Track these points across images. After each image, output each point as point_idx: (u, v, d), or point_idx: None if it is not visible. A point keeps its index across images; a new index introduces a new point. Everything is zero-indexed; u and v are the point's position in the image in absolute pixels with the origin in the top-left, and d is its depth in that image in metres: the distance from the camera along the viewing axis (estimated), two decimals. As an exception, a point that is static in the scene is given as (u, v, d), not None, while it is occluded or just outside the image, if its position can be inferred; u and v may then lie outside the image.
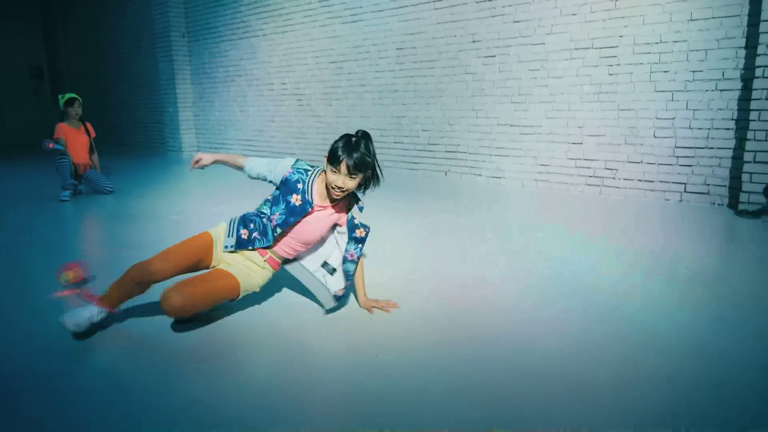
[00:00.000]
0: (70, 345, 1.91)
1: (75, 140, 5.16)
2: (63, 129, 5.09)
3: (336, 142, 2.01)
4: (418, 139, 6.07)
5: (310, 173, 2.13)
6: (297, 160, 2.18)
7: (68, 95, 5.16)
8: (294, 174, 2.12)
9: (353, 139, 2.01)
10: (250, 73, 7.94)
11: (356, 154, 1.96)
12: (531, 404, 1.49)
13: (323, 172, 2.09)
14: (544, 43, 4.94)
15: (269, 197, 2.18)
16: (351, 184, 2.00)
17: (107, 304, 1.96)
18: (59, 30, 12.22)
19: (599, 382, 1.61)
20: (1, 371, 1.73)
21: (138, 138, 10.52)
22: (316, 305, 2.25)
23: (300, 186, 2.10)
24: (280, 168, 2.16)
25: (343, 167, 1.95)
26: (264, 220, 2.14)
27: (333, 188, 2.01)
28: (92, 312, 1.92)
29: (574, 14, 4.72)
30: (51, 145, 4.92)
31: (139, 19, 9.78)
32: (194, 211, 4.41)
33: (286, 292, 2.45)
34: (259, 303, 2.30)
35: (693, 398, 1.51)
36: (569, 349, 1.83)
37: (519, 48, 5.09)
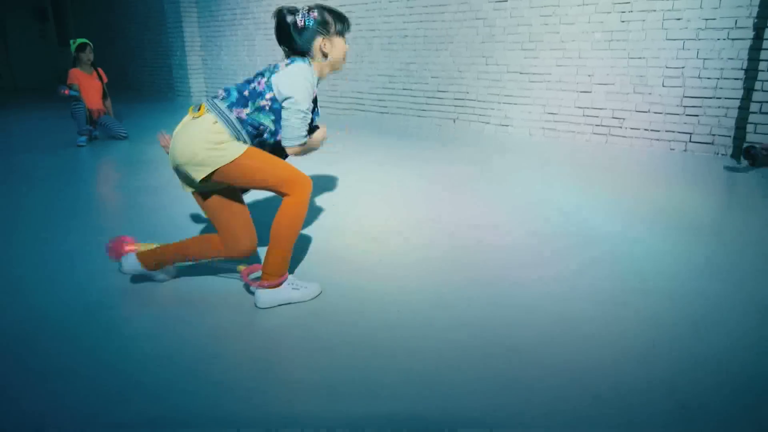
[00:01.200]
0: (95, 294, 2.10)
1: (88, 85, 5.23)
2: (76, 74, 5.15)
3: (323, 12, 1.85)
4: (427, 86, 6.07)
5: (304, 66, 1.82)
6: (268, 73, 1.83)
7: (79, 40, 5.19)
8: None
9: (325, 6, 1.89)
10: (257, 16, 7.84)
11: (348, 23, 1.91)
12: (525, 337, 1.67)
13: (311, 61, 1.86)
14: (556, -12, 4.86)
15: (262, 105, 1.79)
16: None
17: (150, 264, 1.98)
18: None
19: (587, 318, 1.78)
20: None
21: (146, 82, 10.51)
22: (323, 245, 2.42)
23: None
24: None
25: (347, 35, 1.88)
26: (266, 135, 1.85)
27: (343, 61, 1.95)
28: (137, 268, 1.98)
29: (589, -42, 4.62)
30: (66, 92, 5.01)
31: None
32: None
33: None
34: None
35: (672, 334, 1.67)
36: (564, 290, 1.99)
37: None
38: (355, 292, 2.01)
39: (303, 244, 2.47)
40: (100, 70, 5.40)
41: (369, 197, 3.32)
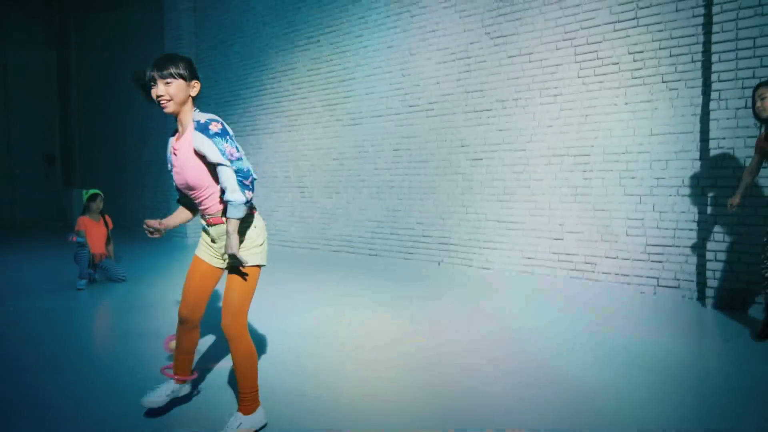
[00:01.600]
0: None
1: (94, 232, 5.57)
2: (84, 222, 5.51)
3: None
4: (412, 231, 6.53)
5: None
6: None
7: (91, 191, 5.63)
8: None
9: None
10: (256, 166, 8.54)
11: (160, 61, 2.10)
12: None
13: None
14: (525, 150, 5.53)
15: None
16: (168, 89, 2.07)
17: (181, 372, 2.26)
18: (75, 121, 13.04)
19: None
20: None
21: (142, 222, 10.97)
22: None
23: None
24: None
25: (155, 76, 2.08)
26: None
27: (158, 104, 2.09)
28: (171, 387, 2.25)
29: (551, 126, 5.34)
30: (74, 239, 5.33)
31: (153, 113, 10.55)
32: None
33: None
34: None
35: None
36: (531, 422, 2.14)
37: (503, 153, 5.68)
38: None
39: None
40: (107, 217, 5.76)
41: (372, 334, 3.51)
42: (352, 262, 6.81)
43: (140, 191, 11.03)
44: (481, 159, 5.87)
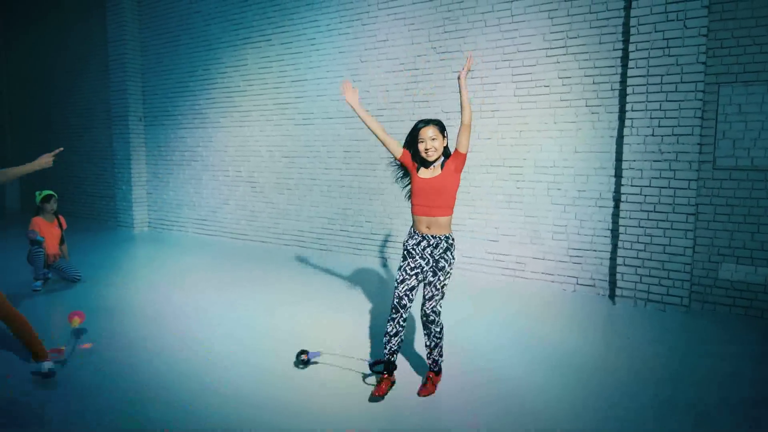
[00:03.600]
0: None
1: (48, 233, 5.61)
2: (38, 223, 5.54)
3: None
4: (362, 229, 6.95)
5: None
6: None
7: (45, 192, 5.64)
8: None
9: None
10: (206, 159, 8.64)
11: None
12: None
13: None
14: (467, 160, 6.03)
15: None
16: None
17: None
18: (3, 96, 12.41)
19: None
20: None
21: (86, 210, 10.79)
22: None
23: None
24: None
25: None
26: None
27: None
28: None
29: (489, 138, 5.87)
30: (35, 236, 5.41)
31: (95, 100, 10.30)
32: (167, 301, 4.98)
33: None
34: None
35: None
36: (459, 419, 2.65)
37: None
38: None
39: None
40: (61, 218, 5.81)
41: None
42: (302, 257, 7.17)
43: (83, 180, 10.79)
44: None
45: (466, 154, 2.92)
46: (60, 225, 5.76)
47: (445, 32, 6.07)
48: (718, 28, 4.68)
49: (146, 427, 2.70)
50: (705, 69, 4.63)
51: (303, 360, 3.46)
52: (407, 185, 3.18)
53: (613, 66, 5.14)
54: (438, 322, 3.07)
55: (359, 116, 3.13)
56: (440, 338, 3.12)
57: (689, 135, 4.66)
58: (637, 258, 4.96)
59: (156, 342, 3.93)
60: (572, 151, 5.41)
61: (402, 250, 3.12)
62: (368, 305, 4.89)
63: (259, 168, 7.98)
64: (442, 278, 2.99)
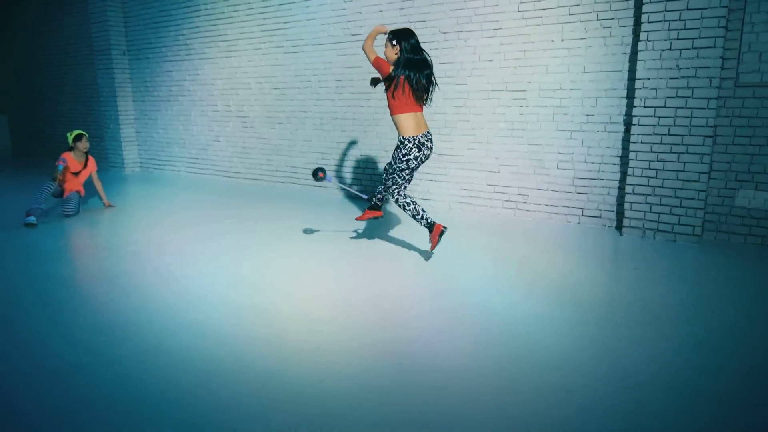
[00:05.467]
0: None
1: (73, 169, 5.62)
2: (68, 156, 5.55)
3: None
4: (357, 163, 6.62)
5: None
6: None
7: (76, 132, 5.60)
8: None
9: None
10: (194, 93, 8.21)
11: None
12: (426, 409, 2.08)
13: None
14: (466, 84, 5.61)
15: None
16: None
17: None
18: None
19: (481, 392, 2.22)
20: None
21: (76, 151, 10.46)
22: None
23: None
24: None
25: None
26: None
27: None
28: None
29: (491, 60, 5.41)
30: (61, 162, 5.40)
31: (77, 34, 9.76)
32: (148, 240, 4.75)
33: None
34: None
35: (549, 401, 2.15)
36: (462, 367, 2.43)
37: (444, 86, 5.73)
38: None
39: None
40: (91, 158, 5.81)
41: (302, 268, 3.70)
42: (297, 193, 6.88)
43: (71, 120, 10.40)
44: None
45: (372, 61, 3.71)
46: (86, 165, 5.76)
47: (443, -59, 5.48)
48: None
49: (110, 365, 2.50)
50: (733, -30, 4.12)
51: (319, 177, 4.13)
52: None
53: (628, -28, 4.61)
54: (381, 190, 4.08)
55: (368, 44, 3.75)
56: (381, 193, 4.08)
57: (711, 48, 4.21)
58: (648, 186, 4.63)
59: (133, 279, 3.71)
60: (581, 72, 4.97)
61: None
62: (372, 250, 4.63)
63: (248, 101, 7.57)
64: (389, 171, 3.92)
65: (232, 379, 2.33)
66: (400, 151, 3.74)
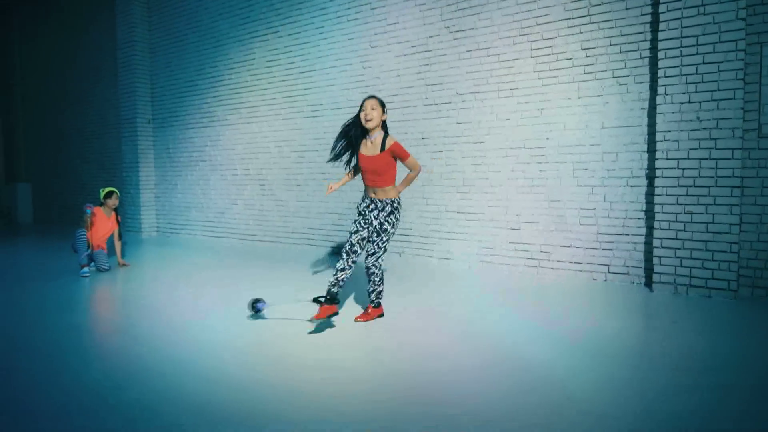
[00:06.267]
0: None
1: (101, 223, 5.79)
2: (97, 210, 5.76)
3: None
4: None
5: None
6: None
7: (107, 189, 5.89)
8: None
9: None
10: (214, 158, 8.39)
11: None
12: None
13: None
14: (483, 142, 5.65)
15: None
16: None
17: None
18: (18, 110, 12.42)
19: (526, 439, 2.00)
20: None
21: (95, 217, 10.60)
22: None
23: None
24: None
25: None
26: None
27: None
28: None
29: (508, 119, 5.48)
30: (89, 207, 5.62)
31: (105, 106, 10.20)
32: (162, 294, 4.64)
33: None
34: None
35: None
36: (499, 414, 2.22)
37: (462, 145, 5.78)
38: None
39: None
40: (117, 216, 5.98)
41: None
42: (313, 255, 6.80)
43: (93, 187, 10.63)
44: (441, 151, 5.96)
45: (407, 159, 3.59)
46: (117, 221, 5.95)
47: (459, 9, 5.74)
48: (758, -17, 4.26)
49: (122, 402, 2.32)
50: (746, 26, 4.21)
51: (255, 307, 3.77)
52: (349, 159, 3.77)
53: (641, 32, 4.73)
54: (377, 273, 3.67)
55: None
56: (379, 284, 3.72)
57: (731, 99, 4.21)
58: (676, 239, 4.48)
59: (144, 329, 3.56)
60: (599, 128, 4.99)
61: (356, 210, 3.68)
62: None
63: (267, 165, 7.69)
64: (384, 238, 3.58)
65: (246, 425, 2.14)
66: (395, 216, 3.61)
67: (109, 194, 5.81)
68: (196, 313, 3.95)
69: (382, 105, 3.54)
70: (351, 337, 3.35)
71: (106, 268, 5.67)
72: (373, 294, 3.74)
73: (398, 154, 3.52)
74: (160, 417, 2.21)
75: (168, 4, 8.80)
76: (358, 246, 3.55)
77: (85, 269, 5.43)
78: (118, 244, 5.98)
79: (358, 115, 3.54)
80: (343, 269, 3.49)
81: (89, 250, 5.56)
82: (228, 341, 3.26)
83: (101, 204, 5.81)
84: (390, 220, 3.57)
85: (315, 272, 5.59)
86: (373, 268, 3.65)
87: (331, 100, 6.90)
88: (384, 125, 3.59)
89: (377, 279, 3.70)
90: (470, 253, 5.81)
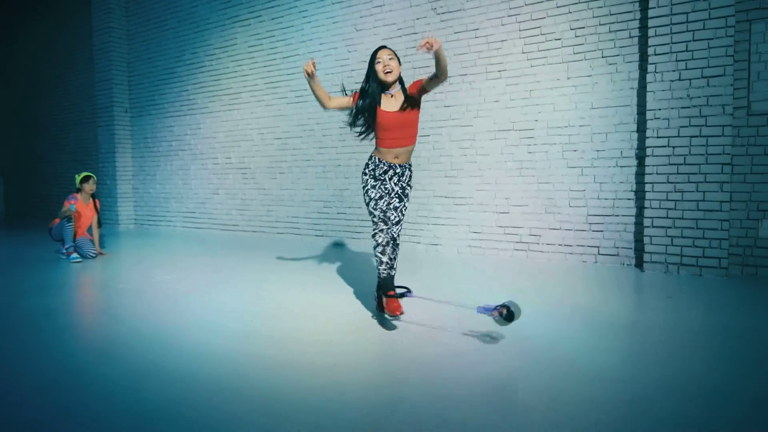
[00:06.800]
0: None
1: (82, 212, 5.58)
2: (77, 197, 5.52)
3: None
4: (360, 210, 6.44)
5: None
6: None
7: (83, 173, 5.63)
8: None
9: None
10: (194, 147, 8.17)
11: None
12: (479, 416, 1.76)
13: None
14: (472, 125, 5.57)
15: None
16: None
17: None
18: (-10, 102, 12.00)
19: (532, 404, 1.91)
20: None
21: (70, 211, 10.27)
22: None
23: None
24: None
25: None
26: None
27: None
28: None
29: (497, 101, 5.41)
30: (69, 203, 5.39)
31: (81, 94, 9.88)
32: (138, 280, 4.45)
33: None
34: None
35: (607, 413, 1.83)
36: (510, 381, 2.12)
37: (450, 129, 5.70)
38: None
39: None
40: (97, 201, 5.78)
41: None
42: (298, 244, 6.64)
43: (69, 179, 10.30)
44: (429, 135, 5.87)
45: (423, 85, 2.91)
46: (96, 207, 5.74)
47: (446, -9, 5.65)
48: (747, -40, 4.26)
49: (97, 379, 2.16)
50: (735, 2, 4.19)
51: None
52: (365, 126, 3.16)
53: (630, 11, 4.70)
54: (398, 243, 3.14)
55: (312, 87, 3.03)
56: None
57: (721, 76, 4.20)
58: (667, 218, 4.45)
59: (125, 309, 3.39)
60: (588, 108, 4.94)
61: (366, 177, 3.12)
62: (361, 289, 4.36)
63: (250, 153, 7.51)
64: (407, 204, 3.17)
65: (236, 397, 2.01)
66: (412, 180, 3.22)
67: (86, 179, 5.61)
68: (179, 295, 3.78)
69: (397, 56, 3.06)
70: (339, 309, 3.22)
71: (93, 255, 5.52)
72: (396, 262, 3.07)
73: (420, 84, 2.91)
74: (138, 391, 2.07)
75: (146, -11, 8.55)
76: (390, 211, 3.07)
77: (75, 255, 5.30)
78: (96, 232, 5.78)
79: (370, 70, 3.01)
80: (388, 242, 3.01)
81: (74, 242, 5.43)
82: (217, 320, 3.11)
83: (78, 190, 5.60)
84: (411, 185, 3.17)
85: (299, 258, 5.45)
86: (398, 239, 3.12)
87: (315, 85, 6.75)
88: (401, 79, 3.07)
89: (397, 246, 3.12)
90: (459, 238, 5.73)
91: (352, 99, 3.09)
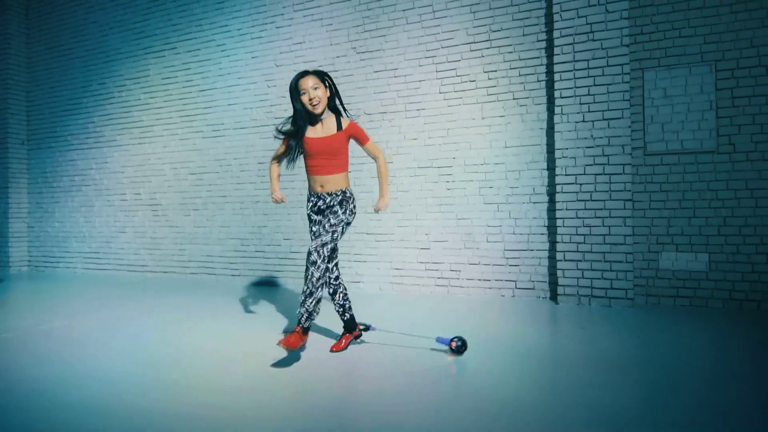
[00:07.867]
0: None
1: None
2: None
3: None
4: (279, 248, 6.23)
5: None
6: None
7: None
8: None
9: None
10: (100, 182, 7.63)
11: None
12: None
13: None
14: (392, 162, 5.61)
15: None
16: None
17: None
18: None
19: (453, 442, 1.81)
20: None
21: (-49, 252, 9.17)
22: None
23: None
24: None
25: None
26: None
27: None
28: None
29: (416, 138, 5.50)
30: None
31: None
32: (25, 328, 3.97)
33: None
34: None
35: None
36: (428, 414, 2.02)
37: (371, 165, 5.70)
38: None
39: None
40: None
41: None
42: (211, 285, 6.28)
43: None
44: (350, 172, 5.83)
45: (367, 142, 3.12)
46: None
47: (365, 31, 5.76)
48: (637, 15, 4.68)
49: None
50: (629, 52, 4.57)
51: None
52: (299, 154, 3.10)
53: (537, 57, 4.99)
54: (318, 265, 2.75)
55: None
56: (316, 288, 2.75)
57: (620, 118, 4.51)
58: (578, 251, 4.64)
59: (4, 363, 2.97)
60: (502, 147, 5.13)
61: (307, 219, 3.28)
62: (278, 326, 4.15)
63: (162, 188, 7.11)
64: (333, 221, 2.93)
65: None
66: (348, 206, 3.06)
67: None
68: (70, 343, 3.38)
69: (323, 78, 2.90)
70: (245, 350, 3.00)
71: None
72: (308, 301, 2.74)
73: (357, 136, 2.99)
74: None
75: (51, 15, 8.06)
76: (319, 232, 2.95)
77: None
78: None
79: (297, 103, 2.89)
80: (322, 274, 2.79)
81: None
82: (112, 369, 2.78)
83: None
84: (343, 207, 2.97)
85: (213, 299, 5.13)
86: (314, 254, 2.78)
87: (233, 120, 6.57)
88: (332, 103, 2.99)
89: (317, 276, 2.75)
90: (381, 274, 5.66)
91: (283, 143, 3.10)
